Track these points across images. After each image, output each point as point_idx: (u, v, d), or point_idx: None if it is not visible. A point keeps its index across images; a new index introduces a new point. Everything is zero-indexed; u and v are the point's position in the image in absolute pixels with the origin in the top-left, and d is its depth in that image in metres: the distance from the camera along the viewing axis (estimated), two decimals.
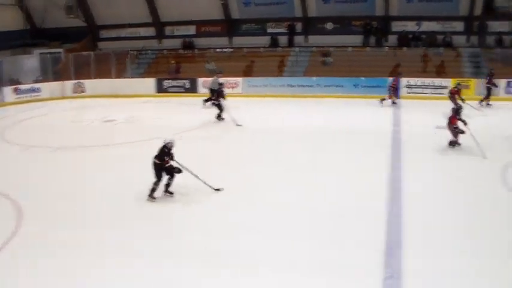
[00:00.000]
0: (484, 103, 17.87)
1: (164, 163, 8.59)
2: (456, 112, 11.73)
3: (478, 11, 22.35)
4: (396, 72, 19.50)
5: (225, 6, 23.59)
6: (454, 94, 16.32)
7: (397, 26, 23.08)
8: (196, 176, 8.88)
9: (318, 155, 11.78)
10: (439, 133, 12.75)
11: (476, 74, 20.49)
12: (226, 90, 16.17)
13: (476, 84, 19.88)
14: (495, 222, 7.76)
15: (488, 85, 18.12)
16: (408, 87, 20.11)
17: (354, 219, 7.84)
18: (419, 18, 22.81)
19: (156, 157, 8.62)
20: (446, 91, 20.04)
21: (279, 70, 21.97)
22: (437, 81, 20.19)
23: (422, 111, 17.29)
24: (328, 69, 21.53)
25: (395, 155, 11.74)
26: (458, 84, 17.33)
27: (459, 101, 15.04)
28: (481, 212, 8.19)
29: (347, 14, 22.93)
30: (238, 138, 14.02)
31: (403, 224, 7.62)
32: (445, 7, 22.45)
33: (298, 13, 23.38)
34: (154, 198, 8.72)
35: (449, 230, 7.47)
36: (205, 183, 8.94)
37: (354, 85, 20.62)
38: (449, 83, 20.18)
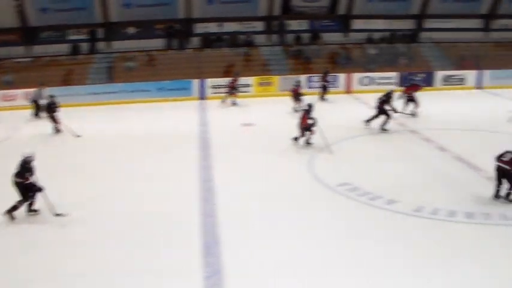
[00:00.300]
0: (323, 98, 19.36)
1: (25, 180, 7.74)
2: (307, 111, 12.18)
3: (276, 11, 23.75)
4: (232, 72, 20.05)
5: (21, 13, 22.11)
6: (295, 93, 17.26)
7: (199, 28, 23.61)
8: (45, 197, 8.09)
9: (130, 162, 11.70)
10: (246, 130, 13.87)
11: (279, 72, 21.71)
12: (57, 102, 15.29)
13: (278, 81, 21.12)
14: (306, 213, 8.34)
15: (323, 82, 19.73)
16: (213, 88, 20.65)
17: (169, 223, 8.01)
18: (221, 20, 23.54)
19: (17, 175, 7.77)
20: (250, 89, 21.18)
21: (82, 78, 21.22)
22: (241, 80, 20.94)
23: (227, 110, 18.13)
24: (133, 74, 21.26)
25: (205, 155, 12.09)
26: (298, 82, 18.17)
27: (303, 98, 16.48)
28: (295, 203, 8.75)
29: (149, 18, 22.80)
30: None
31: (219, 223, 7.91)
32: (245, 8, 23.54)
33: (99, 19, 22.74)
34: (13, 218, 7.84)
35: (264, 223, 7.90)
36: (49, 205, 8.14)
37: (158, 89, 20.66)
38: (252, 81, 21.22)
